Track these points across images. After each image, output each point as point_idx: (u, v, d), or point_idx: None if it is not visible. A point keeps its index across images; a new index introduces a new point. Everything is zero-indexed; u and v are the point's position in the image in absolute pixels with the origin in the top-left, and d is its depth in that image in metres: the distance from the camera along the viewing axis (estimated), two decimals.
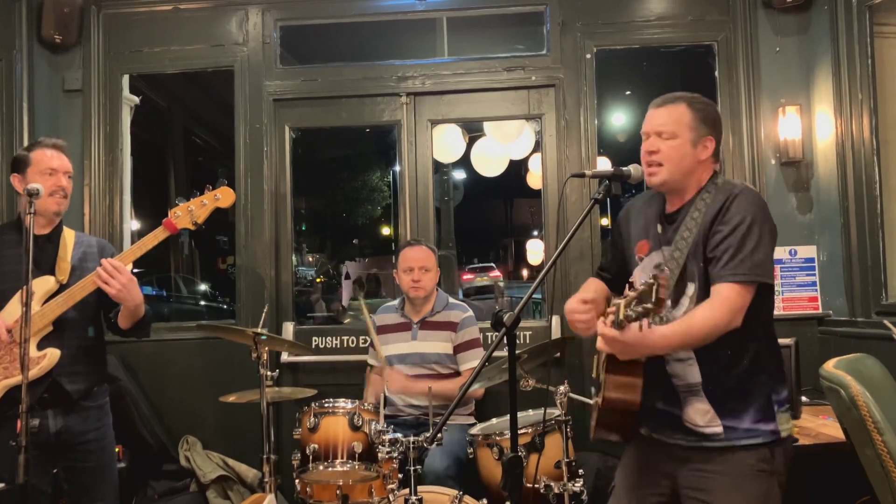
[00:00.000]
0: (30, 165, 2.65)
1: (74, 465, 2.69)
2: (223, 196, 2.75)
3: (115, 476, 2.84)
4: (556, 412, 2.79)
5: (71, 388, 2.63)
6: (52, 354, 2.56)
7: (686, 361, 2.02)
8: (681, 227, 2.03)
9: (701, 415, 2.01)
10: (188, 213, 2.70)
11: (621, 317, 1.72)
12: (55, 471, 2.69)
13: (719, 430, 1.99)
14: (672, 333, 1.87)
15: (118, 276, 2.55)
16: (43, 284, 2.60)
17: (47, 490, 2.66)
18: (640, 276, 2.13)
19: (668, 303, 1.69)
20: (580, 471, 2.72)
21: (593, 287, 2.30)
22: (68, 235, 2.75)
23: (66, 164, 2.71)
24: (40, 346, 2.56)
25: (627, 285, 1.92)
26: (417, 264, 3.45)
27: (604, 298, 2.25)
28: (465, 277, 15.39)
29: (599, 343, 1.86)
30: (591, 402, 2.40)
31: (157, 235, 2.68)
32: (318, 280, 15.98)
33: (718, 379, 2.00)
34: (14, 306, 2.58)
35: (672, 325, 1.89)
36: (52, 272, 2.64)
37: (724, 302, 1.89)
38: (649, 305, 1.59)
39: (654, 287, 1.57)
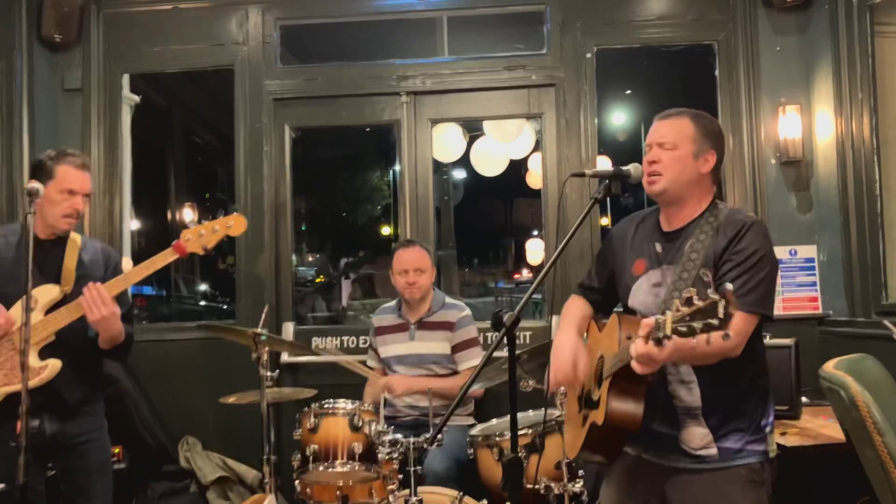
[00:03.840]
0: (52, 179, 2.57)
1: (70, 464, 2.68)
2: (235, 223, 2.72)
3: (111, 477, 2.83)
4: (556, 413, 2.79)
5: (69, 398, 2.61)
6: (54, 366, 2.53)
7: (688, 384, 2.02)
8: (685, 248, 2.02)
9: (698, 438, 2.01)
10: (199, 237, 2.67)
11: (668, 332, 1.62)
12: (52, 472, 2.69)
13: (714, 452, 2.00)
14: (688, 346, 1.75)
15: (101, 307, 2.51)
16: (47, 293, 2.56)
17: (43, 490, 2.66)
18: (638, 294, 2.12)
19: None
20: (580, 471, 2.72)
21: (579, 317, 2.25)
22: (73, 241, 2.71)
23: (87, 185, 2.65)
24: (42, 356, 2.53)
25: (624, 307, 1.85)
26: (412, 266, 3.44)
27: (586, 324, 2.24)
28: (514, 276, 17.34)
29: (634, 365, 1.77)
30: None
31: (166, 257, 2.66)
32: (318, 280, 15.97)
33: (717, 403, 2.00)
34: (16, 312, 2.56)
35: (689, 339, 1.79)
36: (56, 279, 2.61)
37: (734, 328, 1.88)
38: (715, 322, 1.52)
39: (722, 302, 1.51)
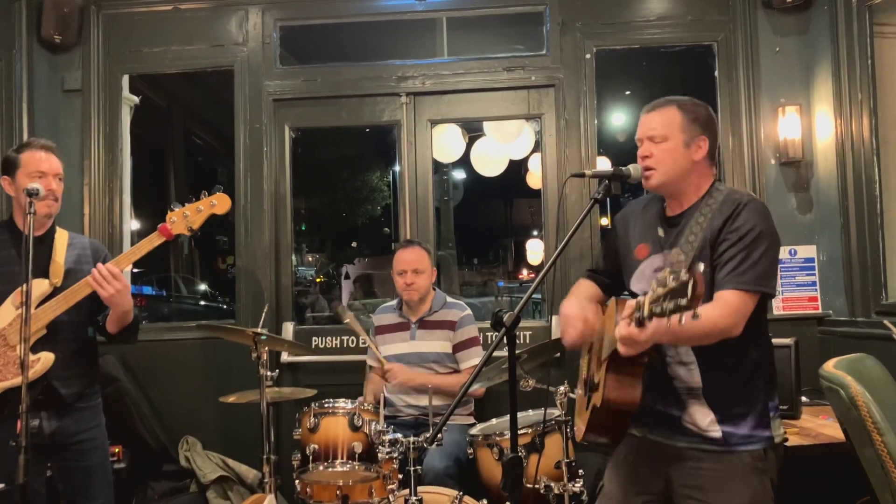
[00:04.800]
0: (19, 168, 2.61)
1: (69, 464, 2.68)
2: (219, 202, 2.71)
3: (110, 475, 2.83)
4: (556, 412, 2.79)
5: (65, 392, 2.62)
6: (46, 359, 2.54)
7: (688, 365, 2.03)
8: (685, 231, 2.04)
9: (702, 417, 2.02)
10: (183, 218, 2.67)
11: (646, 313, 1.65)
12: (50, 473, 2.69)
13: (718, 435, 2.00)
14: (673, 327, 1.78)
15: (113, 283, 2.54)
16: (37, 287, 2.56)
17: (42, 490, 2.66)
18: (640, 279, 2.13)
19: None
20: (580, 471, 2.72)
21: (587, 292, 2.30)
22: (61, 236, 2.73)
23: (55, 166, 2.67)
24: (34, 350, 2.53)
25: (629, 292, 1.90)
26: (410, 266, 3.44)
27: (596, 302, 2.25)
28: (518, 276, 17.42)
29: (619, 347, 1.80)
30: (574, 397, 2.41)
31: (152, 241, 2.65)
32: (317, 280, 15.97)
33: (719, 384, 2.01)
34: (6, 308, 2.57)
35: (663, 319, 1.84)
36: (44, 274, 2.61)
37: (728, 307, 1.90)
38: (684, 301, 1.53)
39: (691, 282, 1.52)
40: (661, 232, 2.13)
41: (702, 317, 1.85)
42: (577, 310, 2.09)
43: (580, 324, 2.06)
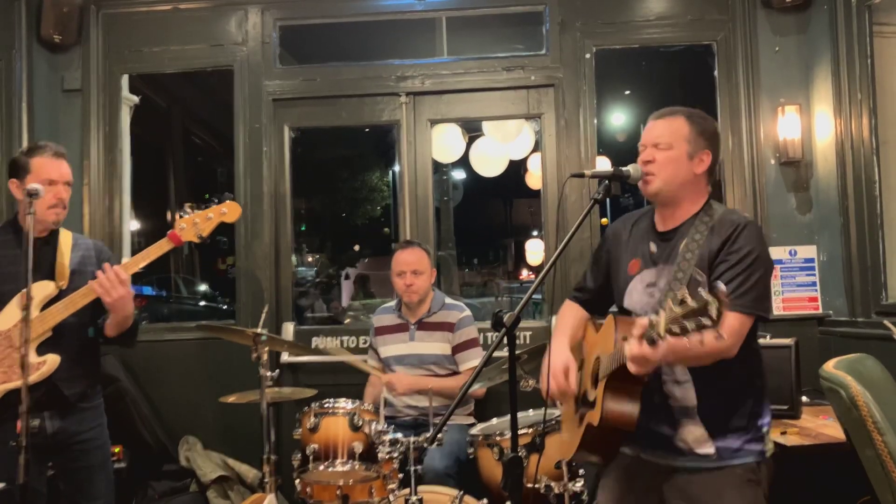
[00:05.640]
0: (29, 173, 2.60)
1: (70, 464, 2.68)
2: (229, 211, 2.73)
3: (111, 474, 2.83)
4: (556, 412, 2.79)
5: (69, 393, 2.62)
6: (52, 360, 2.54)
7: (684, 384, 2.02)
8: (680, 247, 2.03)
9: (694, 436, 2.02)
10: (193, 226, 2.68)
11: (662, 332, 1.63)
12: (51, 472, 2.69)
13: (711, 451, 2.00)
14: (682, 346, 1.76)
15: (118, 287, 2.54)
16: (42, 289, 2.57)
17: (43, 490, 2.66)
18: (632, 294, 2.12)
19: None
20: (580, 471, 2.73)
21: (573, 320, 2.29)
22: (65, 237, 2.72)
23: (66, 173, 2.67)
24: (39, 352, 2.53)
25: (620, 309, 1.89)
26: (409, 268, 3.43)
27: (581, 328, 2.25)
28: (519, 276, 17.15)
29: (629, 366, 1.79)
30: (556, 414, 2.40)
31: (161, 247, 2.66)
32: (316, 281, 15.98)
33: (713, 402, 2.01)
34: (11, 309, 2.57)
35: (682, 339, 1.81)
36: (50, 275, 2.61)
37: (727, 329, 1.87)
38: (708, 322, 1.53)
39: (717, 303, 1.52)
40: (652, 247, 2.12)
41: (707, 340, 1.84)
42: (561, 362, 2.08)
43: (562, 378, 2.06)
